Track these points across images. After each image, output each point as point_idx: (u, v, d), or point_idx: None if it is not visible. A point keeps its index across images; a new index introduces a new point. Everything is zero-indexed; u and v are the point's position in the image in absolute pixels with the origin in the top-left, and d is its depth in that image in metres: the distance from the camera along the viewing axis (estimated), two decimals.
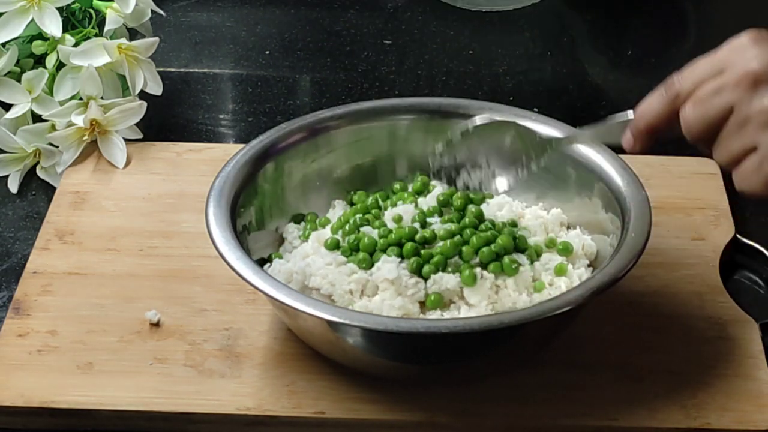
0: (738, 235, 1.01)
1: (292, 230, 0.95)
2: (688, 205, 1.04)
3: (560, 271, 0.89)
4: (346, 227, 0.91)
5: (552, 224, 0.94)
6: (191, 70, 1.26)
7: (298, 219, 0.97)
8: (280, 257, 0.92)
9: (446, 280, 0.86)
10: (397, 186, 0.98)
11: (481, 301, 0.86)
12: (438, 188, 0.95)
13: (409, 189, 0.97)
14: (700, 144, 0.78)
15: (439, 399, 0.87)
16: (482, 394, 0.87)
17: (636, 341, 0.91)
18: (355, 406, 0.86)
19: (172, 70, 1.25)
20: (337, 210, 0.97)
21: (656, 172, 1.07)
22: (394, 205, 0.93)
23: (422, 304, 0.87)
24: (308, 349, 0.90)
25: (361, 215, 0.92)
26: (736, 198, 1.05)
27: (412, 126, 0.98)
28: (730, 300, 0.95)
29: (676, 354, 0.90)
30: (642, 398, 0.87)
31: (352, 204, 0.97)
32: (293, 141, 0.97)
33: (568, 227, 0.95)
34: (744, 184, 0.76)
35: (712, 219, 1.03)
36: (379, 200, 0.95)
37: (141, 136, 1.12)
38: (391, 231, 0.89)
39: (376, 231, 0.90)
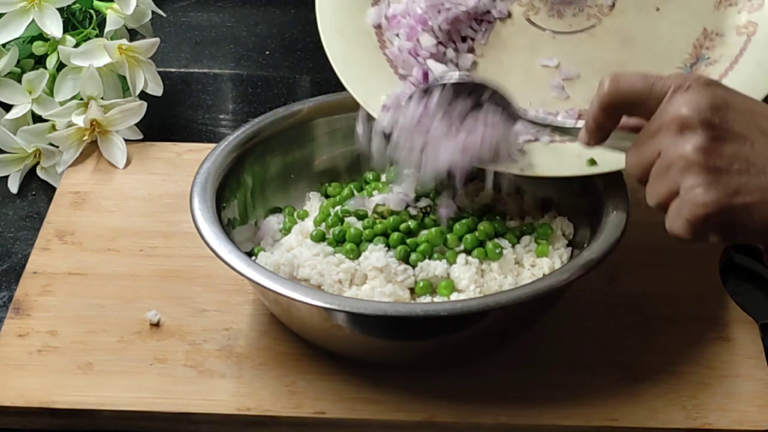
0: None
1: (271, 224, 0.96)
2: None
3: (542, 253, 0.91)
4: (329, 219, 0.92)
5: (528, 207, 0.96)
6: (191, 70, 1.26)
7: (274, 212, 0.98)
8: (262, 250, 0.93)
9: (434, 267, 0.88)
10: (370, 176, 0.98)
11: (469, 285, 0.87)
12: (411, 177, 0.96)
13: (382, 178, 0.98)
14: (641, 184, 0.79)
15: (439, 399, 0.87)
16: (482, 394, 0.87)
17: (636, 341, 0.91)
18: (355, 406, 0.86)
19: (172, 70, 1.25)
20: (313, 202, 0.98)
21: None
22: (371, 195, 0.94)
23: (411, 290, 0.88)
24: (308, 349, 0.90)
25: (341, 207, 0.93)
26: None
27: None
28: (730, 300, 0.95)
29: (676, 354, 0.90)
30: (642, 398, 0.87)
31: (326, 196, 0.98)
32: (269, 134, 0.97)
33: (544, 208, 0.96)
34: (670, 227, 0.77)
35: None
36: (354, 191, 0.95)
37: (141, 136, 1.12)
38: (376, 222, 0.91)
39: (360, 222, 0.91)
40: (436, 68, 0.93)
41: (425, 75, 0.92)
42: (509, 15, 0.95)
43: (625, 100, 0.79)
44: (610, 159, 0.88)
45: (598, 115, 0.80)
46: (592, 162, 0.89)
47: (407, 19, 0.94)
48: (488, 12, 0.96)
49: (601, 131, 0.82)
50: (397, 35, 0.95)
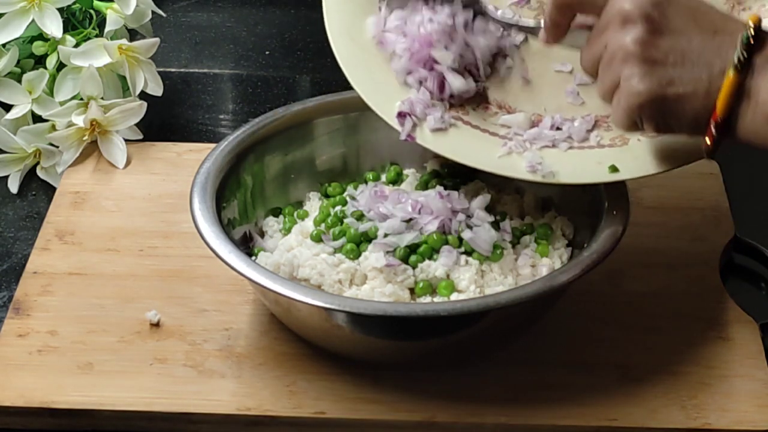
0: (738, 235, 1.01)
1: (271, 224, 0.96)
2: (688, 205, 1.04)
3: (543, 253, 0.91)
4: (329, 220, 0.92)
5: (528, 207, 0.96)
6: (191, 70, 1.26)
7: (275, 213, 0.98)
8: (262, 250, 0.93)
9: (434, 268, 0.88)
10: (370, 176, 0.98)
11: (469, 285, 0.87)
12: (411, 177, 0.97)
13: (383, 179, 0.98)
14: (595, 78, 0.83)
15: (439, 399, 0.87)
16: (482, 394, 0.87)
17: (636, 341, 0.91)
18: (355, 406, 0.86)
19: (172, 70, 1.25)
20: (313, 202, 0.98)
21: None
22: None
23: (411, 291, 0.88)
24: (308, 349, 0.90)
25: (341, 207, 0.93)
26: (736, 198, 1.05)
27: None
28: (730, 300, 0.95)
29: (676, 354, 0.91)
30: (641, 398, 0.87)
31: (326, 195, 0.98)
32: (269, 134, 0.97)
33: (543, 208, 0.96)
34: (613, 118, 0.81)
35: (712, 219, 1.03)
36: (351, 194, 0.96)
37: (141, 136, 1.12)
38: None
39: (359, 222, 0.91)
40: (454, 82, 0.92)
41: (441, 84, 0.92)
42: (526, 39, 0.95)
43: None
44: (632, 166, 0.88)
45: (552, 12, 0.85)
46: (614, 169, 0.89)
47: (403, 39, 0.93)
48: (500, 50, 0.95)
49: (557, 28, 0.86)
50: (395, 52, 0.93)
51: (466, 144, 0.90)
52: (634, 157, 0.89)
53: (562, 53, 0.93)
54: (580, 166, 0.90)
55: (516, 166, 0.90)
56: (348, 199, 0.94)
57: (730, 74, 0.77)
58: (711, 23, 0.79)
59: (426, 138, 0.90)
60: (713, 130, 0.79)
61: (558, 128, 0.91)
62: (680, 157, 0.88)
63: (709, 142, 0.80)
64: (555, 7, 0.85)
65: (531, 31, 0.90)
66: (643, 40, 0.78)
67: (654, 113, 0.79)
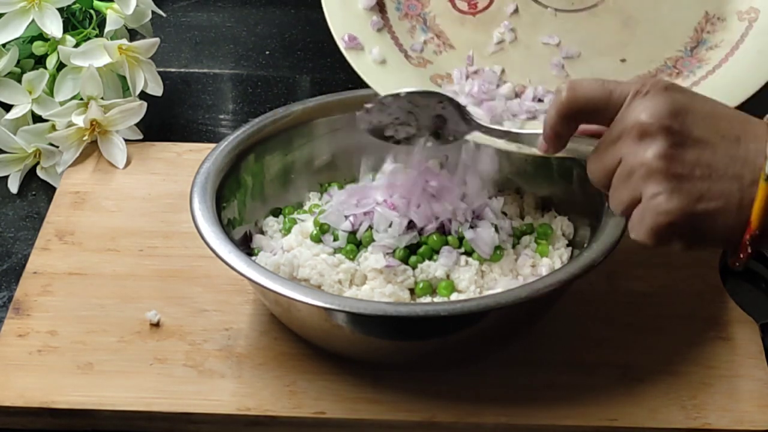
0: None
1: (271, 224, 0.96)
2: None
3: (543, 253, 0.91)
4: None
5: (528, 207, 0.96)
6: (191, 70, 1.26)
7: (276, 213, 0.98)
8: (262, 250, 0.93)
9: (433, 268, 0.88)
10: (370, 176, 0.98)
11: (469, 285, 0.87)
12: None
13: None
14: (603, 191, 0.79)
15: (439, 399, 0.87)
16: (482, 394, 0.87)
17: (636, 341, 0.91)
18: (355, 406, 0.86)
19: (172, 70, 1.25)
20: (313, 202, 0.98)
21: None
22: None
23: (411, 291, 0.88)
24: (308, 349, 0.90)
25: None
26: None
27: None
28: (730, 300, 0.95)
29: (676, 354, 0.91)
30: (642, 398, 0.87)
31: None
32: (269, 134, 0.98)
33: (543, 208, 0.96)
34: (633, 233, 0.76)
35: None
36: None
37: (141, 136, 1.12)
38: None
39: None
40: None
41: (468, 76, 0.92)
42: (516, 10, 0.95)
43: (583, 107, 0.78)
44: None
45: (555, 123, 0.79)
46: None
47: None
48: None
49: (559, 139, 0.80)
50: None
51: None
52: None
53: (550, 25, 0.94)
54: None
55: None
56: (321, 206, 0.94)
57: (763, 186, 0.72)
58: (732, 129, 0.75)
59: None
60: (748, 243, 0.74)
61: (540, 100, 0.91)
62: None
63: (743, 257, 0.75)
64: (559, 118, 0.79)
65: (522, 140, 0.85)
66: (666, 154, 0.73)
67: (684, 231, 0.74)
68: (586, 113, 0.78)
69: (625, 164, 0.75)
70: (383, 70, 0.92)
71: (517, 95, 0.92)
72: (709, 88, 0.87)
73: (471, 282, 0.87)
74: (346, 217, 0.90)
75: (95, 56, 1.08)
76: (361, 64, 0.92)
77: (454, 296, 0.87)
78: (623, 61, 0.93)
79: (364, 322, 0.84)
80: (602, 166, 0.77)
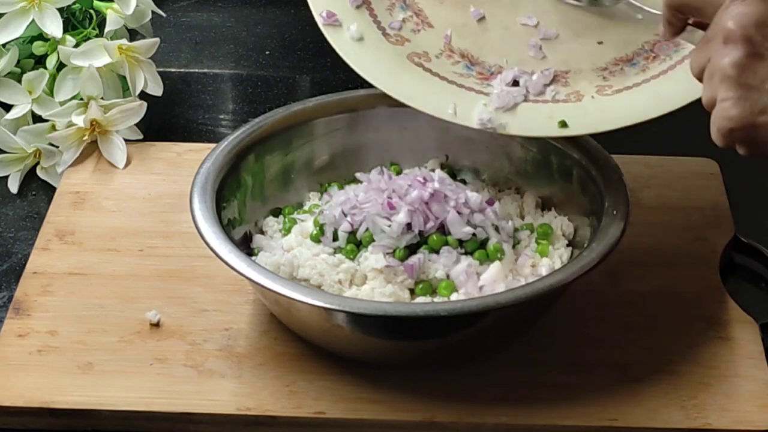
0: (738, 235, 1.01)
1: (271, 224, 0.96)
2: (688, 205, 1.04)
3: (543, 253, 0.91)
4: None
5: (527, 207, 0.96)
6: (191, 70, 1.26)
7: (276, 213, 0.98)
8: (262, 250, 0.93)
9: (434, 268, 0.88)
10: (369, 177, 0.98)
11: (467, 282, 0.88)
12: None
13: None
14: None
15: (439, 399, 0.87)
16: (482, 394, 0.87)
17: (636, 341, 0.91)
18: (355, 406, 0.86)
19: (172, 70, 1.25)
20: (313, 202, 0.98)
21: (656, 172, 1.07)
22: None
23: (411, 291, 0.88)
24: (308, 349, 0.90)
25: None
26: (736, 198, 1.05)
27: (380, 115, 0.99)
28: (730, 300, 0.95)
29: (676, 354, 0.90)
30: (641, 398, 0.87)
31: None
32: (269, 134, 0.98)
33: (543, 208, 0.96)
34: (711, 131, 0.79)
35: (712, 219, 1.03)
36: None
37: (141, 136, 1.12)
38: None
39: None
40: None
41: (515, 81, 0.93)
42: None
43: (686, 3, 0.82)
44: (581, 122, 0.89)
45: (666, 11, 0.84)
46: (564, 124, 0.90)
47: None
48: None
49: (671, 27, 0.84)
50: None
51: (422, 90, 0.91)
52: (584, 114, 0.90)
53: (529, 6, 0.94)
54: (532, 119, 0.91)
55: (468, 116, 0.90)
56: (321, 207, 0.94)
57: None
58: None
59: (386, 82, 0.92)
60: None
61: (516, 83, 0.92)
62: (630, 117, 0.89)
63: None
64: (666, 7, 0.84)
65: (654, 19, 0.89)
66: (740, 63, 0.75)
67: (745, 139, 0.77)
68: (689, 9, 0.82)
69: (710, 65, 0.78)
70: (360, 48, 0.93)
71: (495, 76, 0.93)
72: (685, 72, 0.87)
73: (470, 276, 0.87)
74: (346, 216, 0.90)
75: (95, 56, 1.08)
76: (338, 40, 0.93)
77: (454, 296, 0.87)
78: (600, 43, 0.94)
79: (364, 322, 0.84)
80: (697, 61, 0.80)
